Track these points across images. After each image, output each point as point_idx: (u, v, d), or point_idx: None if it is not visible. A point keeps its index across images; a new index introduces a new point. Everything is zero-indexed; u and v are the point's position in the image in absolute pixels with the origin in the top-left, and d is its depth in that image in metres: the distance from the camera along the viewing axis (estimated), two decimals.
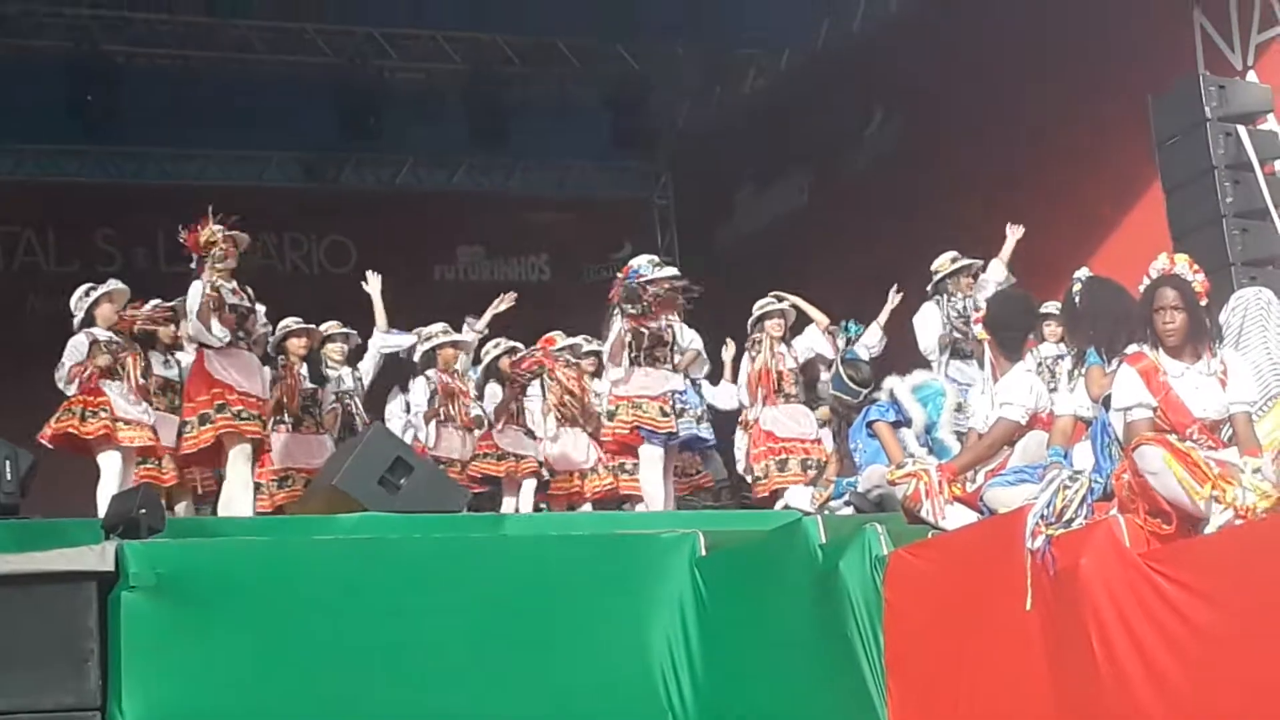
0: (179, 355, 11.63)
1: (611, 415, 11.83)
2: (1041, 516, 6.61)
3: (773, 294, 12.60)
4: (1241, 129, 11.95)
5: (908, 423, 10.29)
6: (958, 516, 7.91)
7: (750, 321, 12.41)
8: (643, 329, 11.68)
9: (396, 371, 12.72)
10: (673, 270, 12.22)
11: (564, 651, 8.42)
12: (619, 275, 11.96)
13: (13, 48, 17.79)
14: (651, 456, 11.62)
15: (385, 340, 12.40)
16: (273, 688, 7.92)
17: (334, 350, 12.33)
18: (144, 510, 8.25)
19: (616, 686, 8.45)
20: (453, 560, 8.59)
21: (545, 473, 12.47)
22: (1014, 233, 12.24)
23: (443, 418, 12.14)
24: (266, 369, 11.31)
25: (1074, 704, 6.40)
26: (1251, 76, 12.58)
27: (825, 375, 12.22)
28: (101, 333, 11.17)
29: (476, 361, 12.79)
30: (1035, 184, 14.27)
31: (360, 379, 12.39)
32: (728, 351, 13.04)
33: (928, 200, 15.68)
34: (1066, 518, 6.64)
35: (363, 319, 12.36)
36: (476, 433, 12.27)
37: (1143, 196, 13.23)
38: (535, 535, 9.57)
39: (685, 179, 20.79)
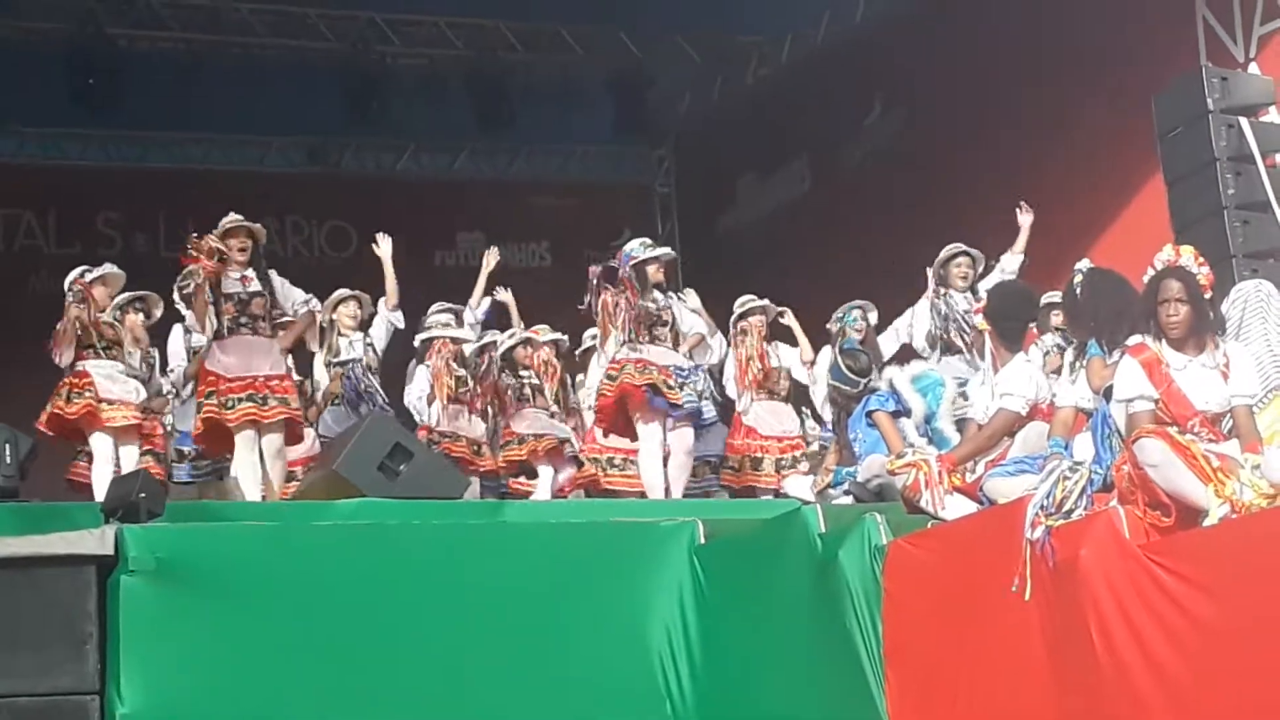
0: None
1: (613, 378, 11.46)
2: (1041, 507, 6.61)
3: (776, 310, 12.70)
4: (1244, 121, 11.91)
5: (907, 413, 10.28)
6: (957, 507, 7.92)
7: (732, 319, 12.42)
8: (634, 305, 11.58)
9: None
10: (665, 250, 12.11)
11: (562, 638, 8.42)
12: (613, 263, 11.91)
13: (16, 30, 17.80)
14: (651, 437, 11.53)
15: (393, 315, 12.40)
16: (271, 672, 7.92)
17: (346, 315, 12.30)
18: (143, 494, 8.24)
19: (615, 674, 8.45)
20: (452, 546, 8.60)
21: (569, 449, 12.42)
22: (1025, 217, 12.23)
23: (445, 402, 12.16)
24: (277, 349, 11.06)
25: (1073, 694, 6.41)
26: (1254, 69, 12.58)
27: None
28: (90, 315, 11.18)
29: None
30: (1036, 175, 14.26)
31: (372, 344, 12.35)
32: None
33: (928, 191, 15.68)
34: (1066, 509, 6.65)
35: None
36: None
37: (1144, 189, 13.23)
38: (534, 522, 9.57)
39: (687, 166, 20.80)
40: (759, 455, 12.33)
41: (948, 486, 8.00)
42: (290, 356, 11.46)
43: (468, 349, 12.51)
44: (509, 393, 12.42)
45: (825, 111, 17.89)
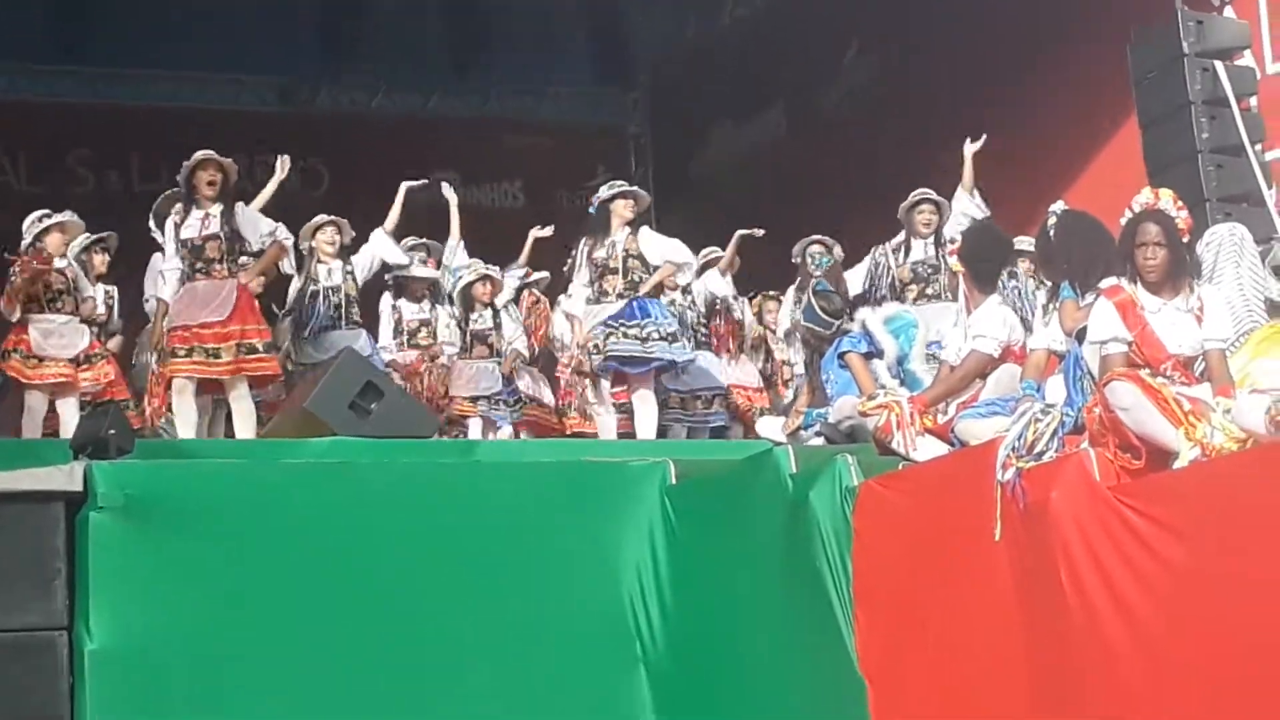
0: None
1: (581, 346, 11.70)
2: (1012, 449, 6.61)
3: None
4: (1219, 64, 11.92)
5: (880, 354, 10.28)
6: (929, 448, 7.92)
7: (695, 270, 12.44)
8: (592, 256, 11.58)
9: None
10: (620, 185, 12.08)
11: (532, 578, 8.42)
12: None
13: None
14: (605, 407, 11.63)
15: (385, 245, 12.29)
16: (241, 609, 7.91)
17: (324, 241, 12.22)
18: (113, 431, 8.21)
19: (585, 613, 8.45)
20: (422, 485, 8.56)
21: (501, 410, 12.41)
22: (970, 147, 12.16)
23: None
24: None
25: (1041, 636, 6.42)
26: (1229, 12, 12.56)
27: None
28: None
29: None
30: (1011, 118, 14.23)
31: (351, 272, 12.27)
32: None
33: (904, 135, 15.65)
34: (1037, 450, 6.65)
35: None
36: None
37: (1119, 132, 13.22)
38: (505, 462, 9.57)
39: (661, 108, 20.75)
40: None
41: (919, 428, 8.00)
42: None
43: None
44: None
45: (801, 54, 17.84)
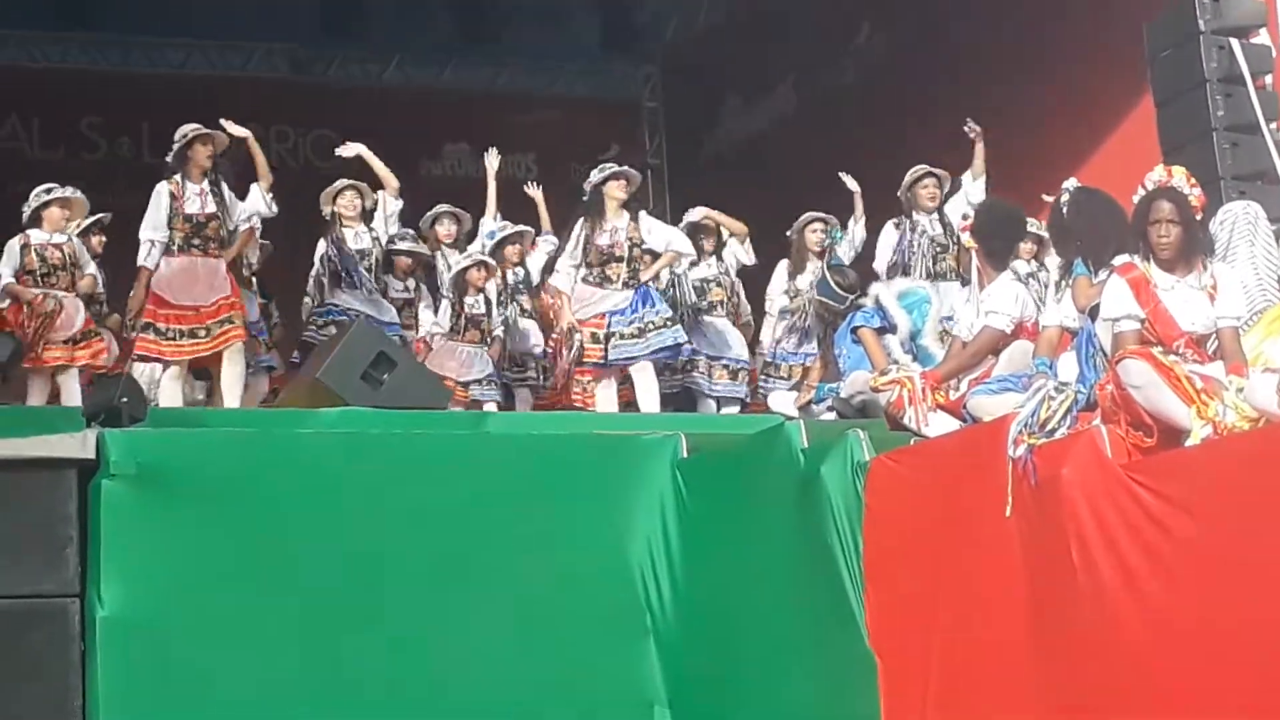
0: None
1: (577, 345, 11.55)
2: (1025, 425, 6.61)
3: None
4: (1234, 42, 11.88)
5: (893, 329, 10.29)
6: (940, 424, 7.93)
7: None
8: (595, 241, 11.56)
9: None
10: (610, 167, 12.06)
11: (543, 550, 8.44)
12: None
13: None
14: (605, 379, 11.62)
15: (394, 205, 12.32)
16: (251, 578, 7.94)
17: (346, 205, 12.23)
18: (125, 399, 8.23)
19: (596, 586, 8.47)
20: (434, 456, 8.58)
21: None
22: (974, 134, 12.11)
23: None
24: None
25: (1051, 612, 6.43)
26: None
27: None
28: (40, 235, 11.14)
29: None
30: (1026, 97, 14.21)
31: (377, 237, 12.25)
32: None
33: (915, 113, 15.59)
34: (1050, 428, 6.65)
35: None
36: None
37: (1134, 110, 13.18)
38: (517, 434, 9.56)
39: (675, 83, 20.68)
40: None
41: (931, 404, 8.02)
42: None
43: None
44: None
45: (814, 31, 17.77)
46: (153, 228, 10.76)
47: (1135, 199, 7.03)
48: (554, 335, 11.96)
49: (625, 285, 11.47)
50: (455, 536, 8.33)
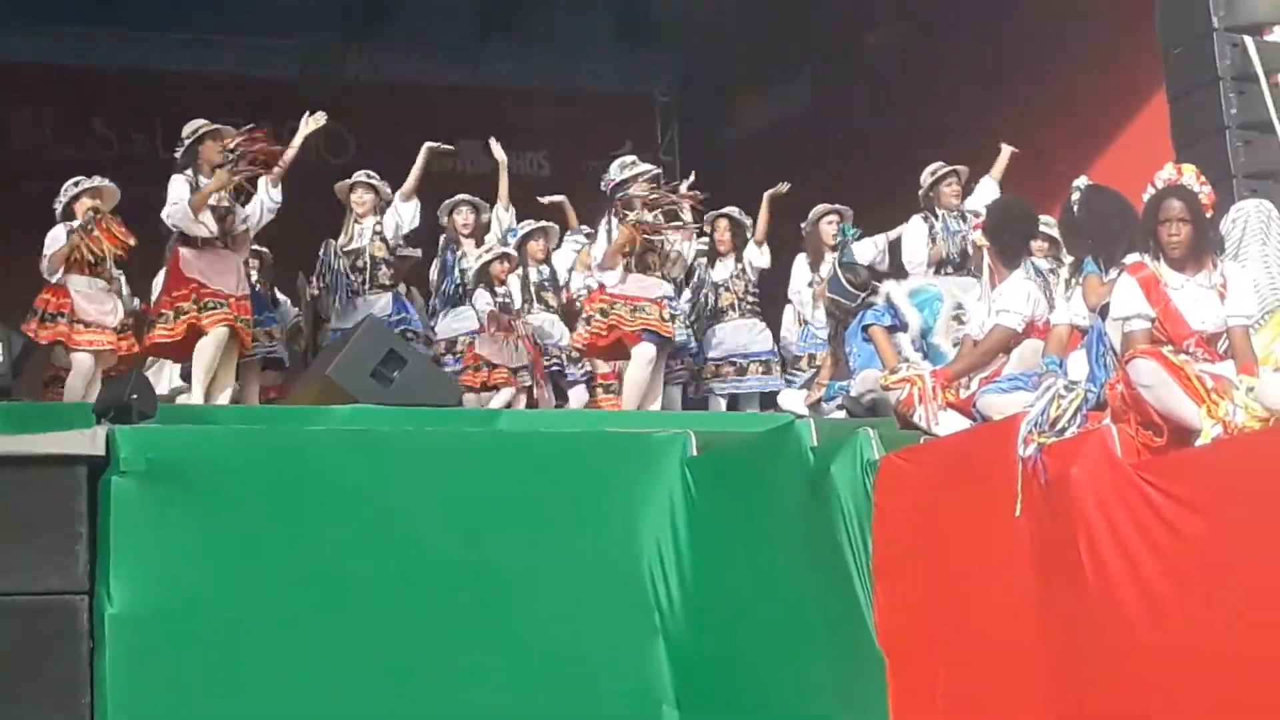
0: None
1: (605, 313, 11.64)
2: (1035, 424, 6.60)
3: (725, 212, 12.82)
4: (1248, 39, 11.84)
5: (903, 327, 10.27)
6: (950, 422, 7.91)
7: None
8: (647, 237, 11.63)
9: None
10: (646, 167, 12.10)
11: (553, 547, 8.44)
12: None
13: None
14: (645, 356, 11.56)
15: (402, 209, 12.28)
16: (260, 575, 7.95)
17: (358, 202, 12.24)
18: (135, 395, 8.24)
19: (605, 583, 8.47)
20: (444, 454, 8.60)
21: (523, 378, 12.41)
22: (1007, 151, 12.29)
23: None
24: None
25: (1060, 611, 6.42)
26: None
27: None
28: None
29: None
30: (1038, 91, 14.20)
31: (381, 233, 12.23)
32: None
33: (930, 105, 15.59)
34: (1059, 427, 6.64)
35: None
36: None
37: (1146, 106, 13.16)
38: (527, 431, 9.57)
39: (689, 76, 20.64)
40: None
41: (941, 402, 8.00)
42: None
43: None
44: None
45: (828, 25, 17.75)
46: (177, 203, 10.74)
47: (1145, 197, 7.01)
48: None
49: (663, 277, 11.74)
50: (465, 533, 8.34)
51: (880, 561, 7.28)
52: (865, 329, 10.29)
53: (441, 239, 12.82)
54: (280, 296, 13.07)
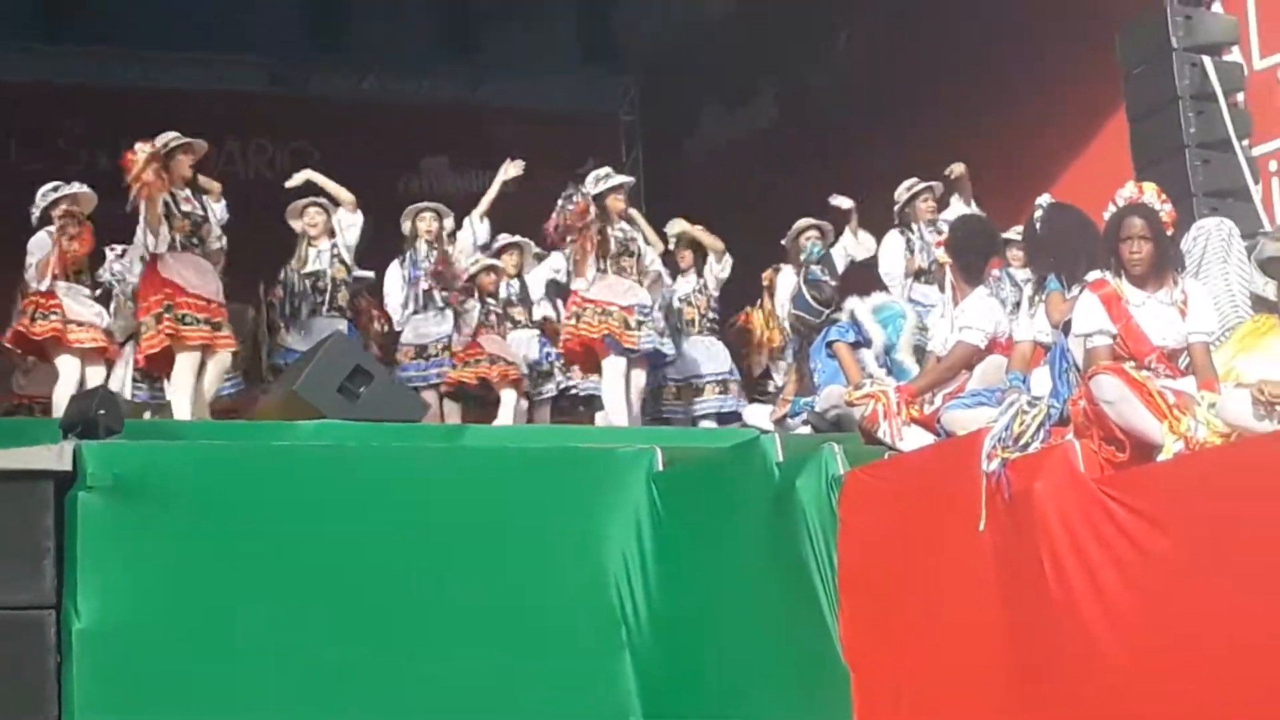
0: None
1: (578, 317, 11.65)
2: (998, 440, 6.65)
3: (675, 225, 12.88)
4: (1207, 59, 11.96)
5: (867, 343, 10.33)
6: (915, 438, 7.95)
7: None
8: (607, 237, 11.65)
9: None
10: (621, 178, 12.14)
11: (519, 562, 8.46)
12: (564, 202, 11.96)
13: None
14: (616, 369, 11.57)
15: (350, 220, 12.28)
16: (228, 590, 7.95)
17: (308, 224, 12.20)
18: (102, 411, 8.24)
19: (571, 598, 8.50)
20: (411, 469, 8.61)
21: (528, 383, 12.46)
22: (955, 171, 12.33)
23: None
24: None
25: (1024, 626, 6.46)
26: (1217, 7, 12.56)
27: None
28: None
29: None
30: (1000, 109, 14.27)
31: (339, 255, 12.19)
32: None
33: (891, 122, 15.65)
34: (1023, 443, 6.68)
35: None
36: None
37: (1107, 126, 13.24)
38: (493, 447, 9.59)
39: (652, 93, 20.69)
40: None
41: (905, 418, 8.04)
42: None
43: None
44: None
45: (792, 39, 17.81)
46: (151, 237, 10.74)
47: (1106, 215, 7.07)
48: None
49: (638, 281, 11.74)
50: (431, 548, 8.35)
51: (845, 576, 7.32)
52: (829, 345, 10.34)
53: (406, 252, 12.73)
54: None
